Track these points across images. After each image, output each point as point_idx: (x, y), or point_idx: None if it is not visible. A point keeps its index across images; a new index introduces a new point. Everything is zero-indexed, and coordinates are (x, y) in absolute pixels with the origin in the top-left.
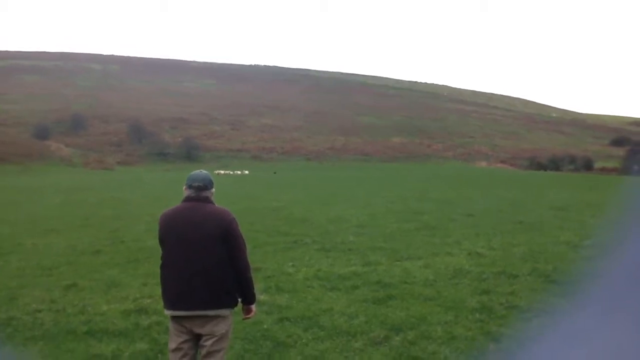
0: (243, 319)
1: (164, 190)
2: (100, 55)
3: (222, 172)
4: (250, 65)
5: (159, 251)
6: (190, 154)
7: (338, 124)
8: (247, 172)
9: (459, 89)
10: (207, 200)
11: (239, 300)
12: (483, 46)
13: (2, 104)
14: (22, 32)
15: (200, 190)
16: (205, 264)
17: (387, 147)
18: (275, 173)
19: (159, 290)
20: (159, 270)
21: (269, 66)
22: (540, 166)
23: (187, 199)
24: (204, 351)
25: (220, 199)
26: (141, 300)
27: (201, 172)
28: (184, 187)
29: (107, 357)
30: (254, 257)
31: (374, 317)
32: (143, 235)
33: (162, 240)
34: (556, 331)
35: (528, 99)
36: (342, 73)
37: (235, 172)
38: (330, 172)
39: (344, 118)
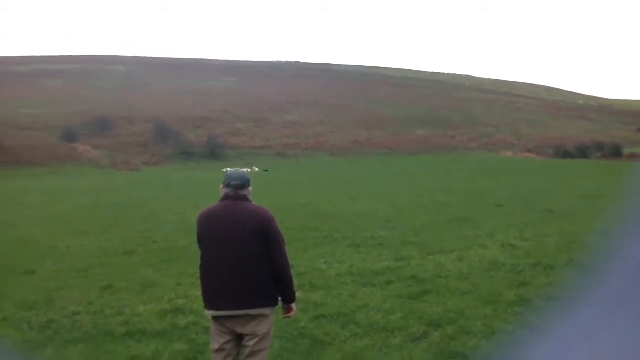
0: (283, 318)
1: (191, 189)
2: (124, 57)
3: (229, 169)
4: (272, 62)
5: (191, 251)
6: (214, 152)
7: (361, 118)
8: (257, 169)
9: (481, 79)
10: (245, 198)
11: (279, 299)
12: (504, 34)
13: (29, 108)
14: (47, 36)
15: (238, 188)
16: (245, 262)
17: (411, 139)
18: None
19: (194, 290)
20: (192, 270)
21: (290, 62)
22: (567, 154)
23: (225, 198)
24: (246, 351)
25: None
26: (177, 300)
27: (238, 170)
28: (222, 186)
29: (148, 358)
30: None
31: (411, 312)
32: (173, 235)
33: (201, 240)
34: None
35: (552, 86)
36: (363, 66)
37: (246, 169)
38: (354, 166)
39: (366, 112)
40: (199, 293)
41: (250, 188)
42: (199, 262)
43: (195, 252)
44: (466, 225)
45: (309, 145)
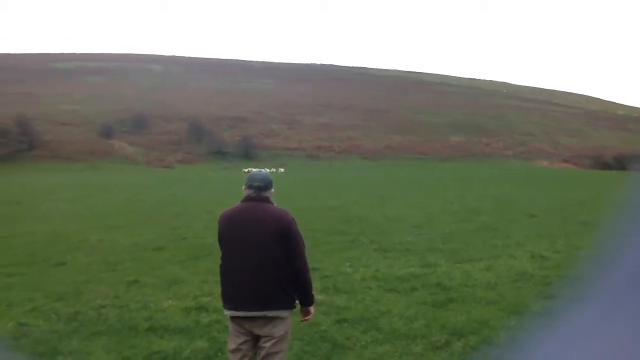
0: (301, 321)
1: (223, 188)
2: (161, 56)
3: (252, 169)
4: (307, 64)
5: (218, 248)
6: (247, 152)
7: (395, 123)
8: (282, 170)
9: (519, 86)
10: (267, 200)
11: (297, 301)
12: (544, 41)
13: (69, 104)
14: (87, 34)
15: (260, 190)
16: (265, 264)
17: (445, 145)
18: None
19: (218, 288)
20: (218, 268)
21: (325, 65)
22: (606, 165)
23: (247, 199)
24: (262, 352)
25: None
26: (201, 297)
27: (260, 171)
28: (244, 187)
29: (169, 353)
30: (311, 257)
31: (434, 320)
32: (203, 233)
33: (222, 240)
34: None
35: (592, 95)
36: (398, 70)
37: (271, 169)
38: (386, 171)
39: (400, 116)
40: None
41: (273, 190)
42: (219, 262)
43: None
44: (496, 234)
45: (341, 148)
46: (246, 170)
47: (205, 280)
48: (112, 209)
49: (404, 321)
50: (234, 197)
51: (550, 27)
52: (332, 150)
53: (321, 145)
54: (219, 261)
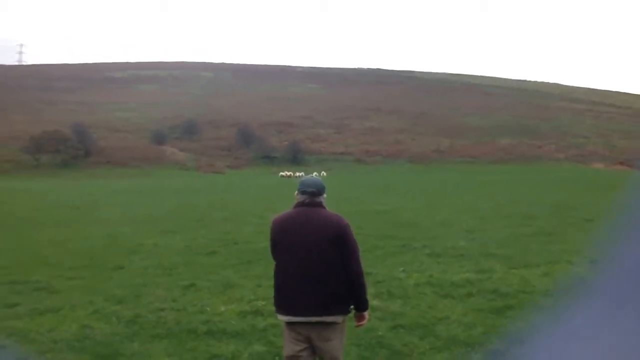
0: (355, 326)
1: (271, 193)
2: (211, 63)
3: (288, 173)
4: (354, 69)
5: (270, 253)
6: (295, 157)
7: (443, 126)
8: (324, 173)
9: (572, 87)
10: (320, 205)
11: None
12: (597, 41)
13: (123, 112)
14: (140, 44)
15: (314, 195)
16: (320, 269)
17: (495, 148)
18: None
19: (272, 293)
20: (271, 273)
21: (372, 69)
22: None
23: (301, 204)
24: (319, 358)
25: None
26: (256, 302)
27: (313, 177)
28: (296, 193)
29: (227, 357)
30: (364, 262)
31: (493, 327)
32: (253, 237)
33: (275, 245)
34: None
35: None
36: (446, 73)
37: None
38: (435, 174)
39: (449, 119)
40: None
41: (325, 195)
42: (272, 267)
43: None
44: (553, 239)
45: (388, 152)
46: (284, 174)
47: (259, 284)
48: (164, 213)
49: (462, 328)
50: (282, 202)
51: (603, 27)
52: (380, 155)
53: (368, 149)
54: (273, 266)
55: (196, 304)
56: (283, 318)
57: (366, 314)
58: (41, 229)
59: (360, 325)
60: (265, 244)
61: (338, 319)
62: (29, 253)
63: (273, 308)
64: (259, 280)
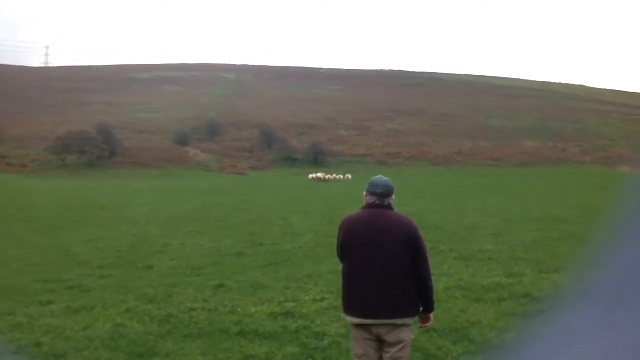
0: (420, 327)
1: (294, 194)
2: (234, 65)
3: (319, 175)
4: (377, 70)
5: (296, 255)
6: (317, 159)
7: (466, 128)
8: (349, 176)
9: (598, 89)
10: (390, 207)
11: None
12: (624, 42)
13: (147, 113)
14: (164, 46)
15: (384, 197)
16: (393, 271)
17: (519, 151)
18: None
19: (302, 295)
20: (298, 274)
21: (394, 70)
22: None
23: (371, 206)
24: (387, 357)
25: (347, 205)
26: (286, 303)
27: (381, 178)
28: (365, 194)
29: (261, 358)
30: None
31: (526, 332)
32: (279, 239)
33: (345, 247)
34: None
35: None
36: (469, 75)
37: (336, 176)
38: (458, 177)
39: (472, 121)
40: (307, 297)
41: (394, 196)
42: (341, 268)
43: (301, 257)
44: (584, 243)
45: (410, 154)
46: (314, 176)
47: (287, 286)
48: (189, 214)
49: (495, 332)
50: (306, 204)
51: (631, 28)
52: (402, 157)
53: (390, 151)
54: (342, 268)
55: (227, 305)
56: (354, 320)
57: (432, 315)
58: (70, 228)
59: (426, 326)
60: (291, 245)
61: (408, 321)
62: (59, 251)
63: (304, 310)
64: (287, 282)
